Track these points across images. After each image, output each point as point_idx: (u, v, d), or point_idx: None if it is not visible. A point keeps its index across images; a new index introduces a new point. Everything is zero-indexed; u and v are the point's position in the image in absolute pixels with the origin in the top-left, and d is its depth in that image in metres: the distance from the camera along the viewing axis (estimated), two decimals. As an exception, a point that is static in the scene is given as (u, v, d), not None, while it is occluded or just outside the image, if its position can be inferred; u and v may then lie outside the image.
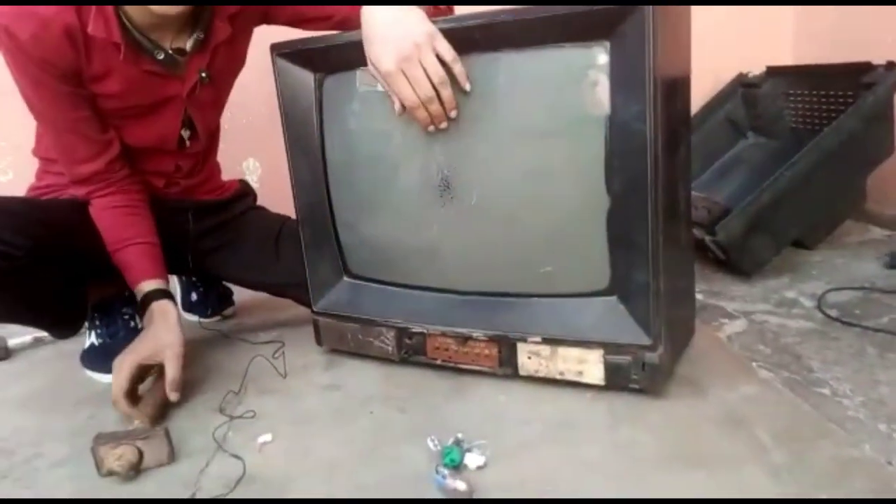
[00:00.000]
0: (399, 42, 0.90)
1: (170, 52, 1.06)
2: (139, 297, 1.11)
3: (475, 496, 0.77)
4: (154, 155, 1.17)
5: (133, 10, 1.00)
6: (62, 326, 1.19)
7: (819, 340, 1.10)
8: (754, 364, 1.04)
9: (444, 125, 0.95)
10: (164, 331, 1.05)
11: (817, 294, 1.28)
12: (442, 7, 1.09)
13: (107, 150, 1.11)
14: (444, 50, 0.90)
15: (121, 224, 1.14)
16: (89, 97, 1.06)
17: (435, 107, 0.92)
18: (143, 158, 1.17)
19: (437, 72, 0.90)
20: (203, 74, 1.11)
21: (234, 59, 1.19)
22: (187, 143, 1.18)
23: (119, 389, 0.99)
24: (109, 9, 0.98)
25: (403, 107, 0.95)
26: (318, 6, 1.10)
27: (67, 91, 1.03)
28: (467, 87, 0.93)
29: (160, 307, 1.08)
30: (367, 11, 0.93)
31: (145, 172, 1.19)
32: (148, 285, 1.11)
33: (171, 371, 1.02)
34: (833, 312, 1.20)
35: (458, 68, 0.91)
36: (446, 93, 0.92)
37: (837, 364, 1.02)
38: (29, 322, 1.18)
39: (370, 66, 0.96)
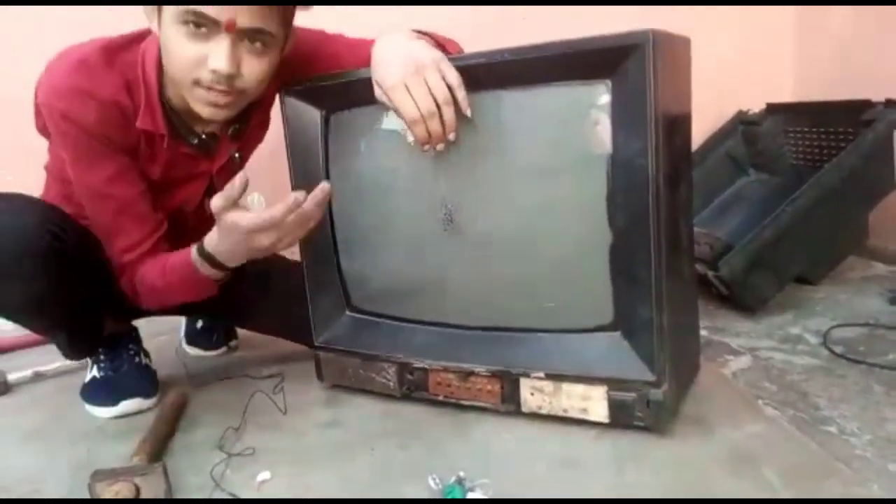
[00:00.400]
0: (405, 60, 0.91)
1: (203, 136, 1.09)
2: (196, 255, 1.03)
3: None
4: (168, 215, 1.17)
5: (176, 99, 1.03)
6: (78, 343, 1.19)
7: (825, 377, 1.09)
8: (760, 401, 1.03)
9: (440, 147, 0.95)
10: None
11: (822, 330, 1.27)
12: (449, 48, 1.10)
13: (158, 228, 1.10)
14: (449, 73, 0.91)
15: (155, 273, 1.09)
16: (143, 173, 1.08)
17: (435, 124, 0.92)
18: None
19: (441, 90, 0.90)
20: (236, 156, 1.15)
21: (263, 132, 1.22)
22: (209, 211, 1.19)
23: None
24: (156, 102, 1.02)
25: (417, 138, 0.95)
26: (345, 65, 1.10)
27: (129, 164, 1.05)
28: (468, 112, 0.93)
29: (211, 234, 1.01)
30: (378, 40, 0.96)
31: None
32: (193, 249, 1.04)
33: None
34: (838, 349, 1.19)
35: (461, 94, 0.92)
36: (448, 113, 0.92)
37: (844, 401, 1.00)
38: (54, 327, 1.14)
39: (375, 87, 0.96)
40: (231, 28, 0.90)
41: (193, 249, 1.03)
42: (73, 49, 1.02)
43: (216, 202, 0.94)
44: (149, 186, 1.09)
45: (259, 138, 1.23)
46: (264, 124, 1.20)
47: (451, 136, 0.94)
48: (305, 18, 1.05)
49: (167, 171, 1.10)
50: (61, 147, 1.04)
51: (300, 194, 0.92)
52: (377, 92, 0.95)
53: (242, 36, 0.92)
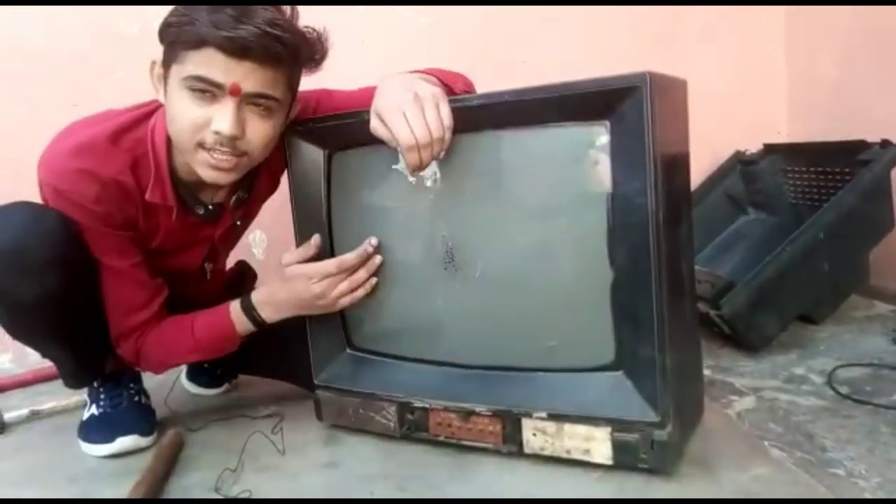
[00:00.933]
0: (405, 91, 0.92)
1: (209, 207, 1.11)
2: (238, 310, 1.11)
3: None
4: (167, 277, 1.17)
5: (184, 171, 1.05)
6: (82, 366, 1.18)
7: (831, 418, 1.08)
8: (766, 443, 1.01)
9: (428, 176, 0.99)
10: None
11: (826, 370, 1.26)
12: (456, 85, 1.11)
13: (160, 293, 1.12)
14: (444, 111, 0.92)
15: (172, 334, 1.12)
16: (141, 243, 1.09)
17: (427, 153, 0.92)
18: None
19: (437, 125, 0.90)
20: (238, 223, 1.18)
21: (267, 197, 1.24)
22: (208, 274, 1.23)
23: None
24: (165, 176, 1.04)
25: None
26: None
27: (129, 237, 1.06)
28: (441, 155, 0.94)
29: (259, 290, 1.13)
30: (381, 79, 0.98)
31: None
32: (233, 305, 1.12)
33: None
34: (844, 389, 1.17)
35: (447, 135, 0.92)
36: (437, 147, 0.92)
37: (851, 443, 0.99)
38: (62, 339, 1.11)
39: (372, 118, 0.95)
40: (236, 92, 0.91)
41: (235, 305, 1.10)
42: (79, 128, 1.04)
43: (287, 258, 1.07)
44: (148, 253, 1.11)
45: (263, 201, 1.24)
46: (270, 190, 1.21)
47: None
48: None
49: (169, 240, 1.11)
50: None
51: (373, 241, 1.06)
52: (373, 123, 0.94)
53: (247, 100, 0.93)
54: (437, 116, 0.91)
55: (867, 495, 0.85)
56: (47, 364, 1.39)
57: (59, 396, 1.38)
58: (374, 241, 1.05)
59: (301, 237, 1.14)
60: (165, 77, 0.96)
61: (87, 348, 1.15)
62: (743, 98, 2.08)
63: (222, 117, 0.92)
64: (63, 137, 1.03)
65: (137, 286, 1.09)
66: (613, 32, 1.98)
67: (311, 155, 1.11)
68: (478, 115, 0.95)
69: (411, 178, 0.98)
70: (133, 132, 1.03)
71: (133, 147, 1.03)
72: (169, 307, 1.14)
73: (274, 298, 1.09)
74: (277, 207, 1.24)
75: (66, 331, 1.08)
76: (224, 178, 0.99)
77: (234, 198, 1.13)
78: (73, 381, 1.23)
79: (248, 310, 1.10)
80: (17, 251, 0.96)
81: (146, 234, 1.09)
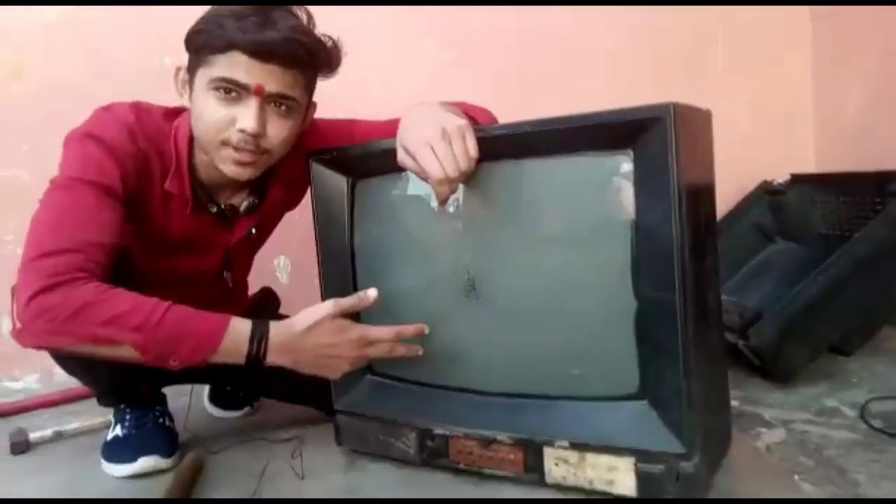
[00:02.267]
0: (433, 124, 0.92)
1: (222, 207, 1.14)
2: (246, 328, 0.96)
3: None
4: (184, 283, 1.18)
5: (202, 169, 1.10)
6: (117, 386, 1.20)
7: (864, 453, 1.05)
8: (796, 477, 0.98)
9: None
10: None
11: (859, 403, 1.23)
12: (480, 118, 1.12)
13: (113, 257, 0.99)
14: (470, 142, 0.92)
15: (134, 297, 0.93)
16: (160, 232, 1.10)
17: (455, 185, 0.93)
18: (174, 285, 1.14)
19: (465, 157, 0.91)
20: (252, 231, 1.19)
21: (283, 212, 1.27)
22: (229, 283, 1.24)
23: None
24: (185, 169, 1.08)
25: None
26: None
27: (122, 217, 1.01)
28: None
29: (280, 330, 0.98)
30: (406, 110, 1.00)
31: (176, 299, 1.18)
32: (238, 319, 0.97)
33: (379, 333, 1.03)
34: (877, 423, 1.14)
35: (473, 167, 0.93)
36: (464, 178, 0.93)
37: (885, 478, 0.96)
38: (103, 366, 1.05)
39: (399, 150, 0.96)
40: (260, 92, 0.97)
41: (241, 322, 0.97)
42: (119, 103, 1.08)
43: (338, 304, 1.00)
44: (158, 249, 1.12)
45: (279, 216, 1.27)
46: (284, 203, 1.24)
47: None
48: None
49: (185, 237, 1.13)
50: (66, 162, 1.01)
51: (371, 293, 1.02)
52: (400, 155, 0.96)
53: (269, 100, 0.99)
54: (464, 149, 0.92)
55: (904, 535, 0.82)
56: (73, 384, 1.42)
57: (84, 417, 1.40)
58: (373, 292, 1.03)
59: (323, 262, 1.15)
60: (191, 82, 1.02)
61: (126, 368, 1.15)
62: (769, 129, 2.07)
63: (247, 116, 0.97)
64: (110, 106, 1.07)
65: (104, 228, 0.97)
66: (637, 62, 2.00)
67: (335, 182, 1.12)
68: (501, 144, 0.95)
69: (434, 205, 0.99)
70: (163, 125, 1.09)
71: (160, 140, 1.07)
72: None
73: (296, 341, 0.98)
74: (303, 234, 1.25)
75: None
76: (245, 174, 1.03)
77: (245, 203, 1.15)
78: (108, 400, 1.25)
79: (258, 335, 0.96)
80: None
81: (164, 223, 1.10)
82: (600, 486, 0.94)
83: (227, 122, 0.99)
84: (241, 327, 0.96)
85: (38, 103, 1.67)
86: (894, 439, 1.08)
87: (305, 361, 1.00)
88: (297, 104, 1.03)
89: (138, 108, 1.08)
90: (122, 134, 1.03)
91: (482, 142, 0.94)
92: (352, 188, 1.12)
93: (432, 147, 0.91)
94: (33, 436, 1.34)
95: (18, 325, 0.91)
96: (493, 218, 0.99)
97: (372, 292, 1.03)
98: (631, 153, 0.88)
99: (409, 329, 1.04)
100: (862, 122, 1.86)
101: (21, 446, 1.31)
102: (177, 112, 1.11)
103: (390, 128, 1.03)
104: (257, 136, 0.99)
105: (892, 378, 1.36)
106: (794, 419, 1.20)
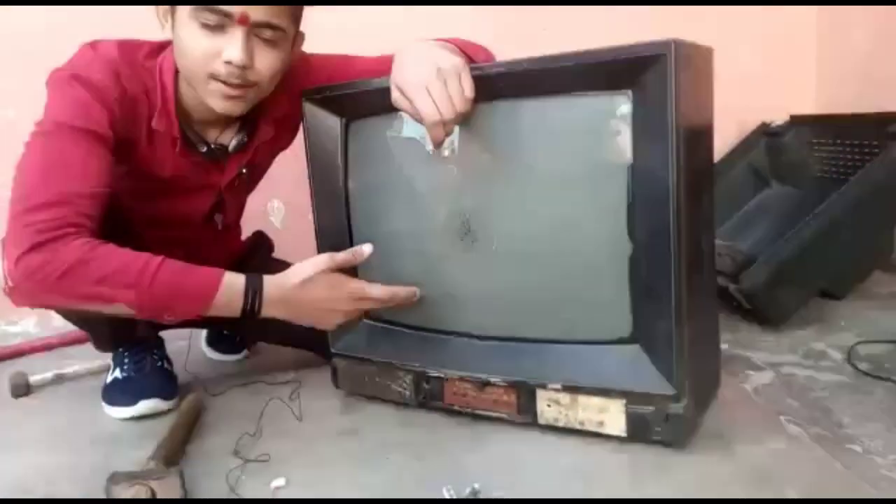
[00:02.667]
0: (427, 64, 0.91)
1: (213, 146, 1.11)
2: (230, 285, 0.95)
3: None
4: (176, 226, 1.18)
5: (189, 105, 1.07)
6: (115, 331, 1.21)
7: (850, 395, 1.07)
8: (782, 418, 1.01)
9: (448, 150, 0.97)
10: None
11: (847, 346, 1.25)
12: (477, 56, 1.09)
13: (105, 199, 0.97)
14: (467, 84, 0.91)
15: (125, 253, 0.92)
16: (150, 171, 1.08)
17: (451, 127, 0.92)
18: (164, 227, 1.17)
19: (460, 97, 0.90)
20: (244, 171, 1.16)
21: (275, 152, 1.24)
22: (219, 225, 1.21)
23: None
24: (171, 106, 1.05)
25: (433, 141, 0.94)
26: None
27: (110, 163, 0.99)
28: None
29: (274, 284, 0.98)
30: (400, 48, 0.97)
31: (167, 242, 1.15)
32: (232, 274, 0.96)
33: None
34: (863, 366, 1.16)
35: (469, 108, 0.91)
36: (459, 119, 0.92)
37: (869, 420, 0.98)
38: (87, 317, 1.13)
39: (392, 90, 0.94)
40: (245, 21, 0.93)
41: (236, 276, 0.96)
42: (105, 41, 1.04)
43: (334, 259, 1.00)
44: (151, 191, 1.10)
45: (271, 156, 1.24)
46: (275, 144, 1.21)
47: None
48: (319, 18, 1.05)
49: (177, 179, 1.11)
50: (55, 108, 0.98)
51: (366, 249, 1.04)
52: (394, 95, 0.94)
53: (255, 29, 0.95)
54: (459, 89, 0.90)
55: (884, 472, 0.85)
56: (71, 328, 1.42)
57: (83, 360, 1.41)
58: (368, 247, 1.04)
59: (317, 205, 1.14)
60: (173, 12, 0.98)
61: (118, 321, 1.15)
62: (771, 68, 2.02)
63: (233, 46, 0.94)
64: (95, 43, 1.03)
65: (95, 169, 0.95)
66: (637, -1, 1.94)
67: (329, 123, 1.10)
68: (497, 84, 0.93)
69: (429, 148, 0.97)
70: (147, 62, 1.05)
71: (145, 77, 1.04)
72: None
73: (294, 298, 0.99)
74: (295, 177, 1.24)
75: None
76: (235, 108, 1.01)
77: (234, 141, 1.13)
78: (105, 346, 1.27)
79: (252, 290, 0.96)
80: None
81: (153, 162, 1.08)
82: (591, 426, 0.96)
83: (212, 53, 0.95)
84: (235, 282, 0.96)
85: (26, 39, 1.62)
86: (880, 381, 1.10)
87: (300, 314, 1.02)
88: (284, 34, 0.99)
89: (124, 46, 1.04)
90: (109, 75, 1.00)
91: (478, 81, 0.92)
92: (346, 129, 1.10)
93: (427, 87, 0.89)
94: (34, 379, 1.36)
95: (10, 283, 0.90)
96: (488, 161, 0.98)
97: (367, 247, 1.04)
98: (630, 93, 0.86)
99: (402, 292, 1.05)
100: (866, 61, 1.82)
101: (21, 389, 1.33)
102: (162, 47, 1.07)
103: (386, 64, 1.00)
104: (245, 68, 0.96)
105: (881, 322, 1.38)
106: (783, 362, 1.22)
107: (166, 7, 0.99)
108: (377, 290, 1.04)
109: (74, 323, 1.25)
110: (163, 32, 1.02)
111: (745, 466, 0.88)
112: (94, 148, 0.97)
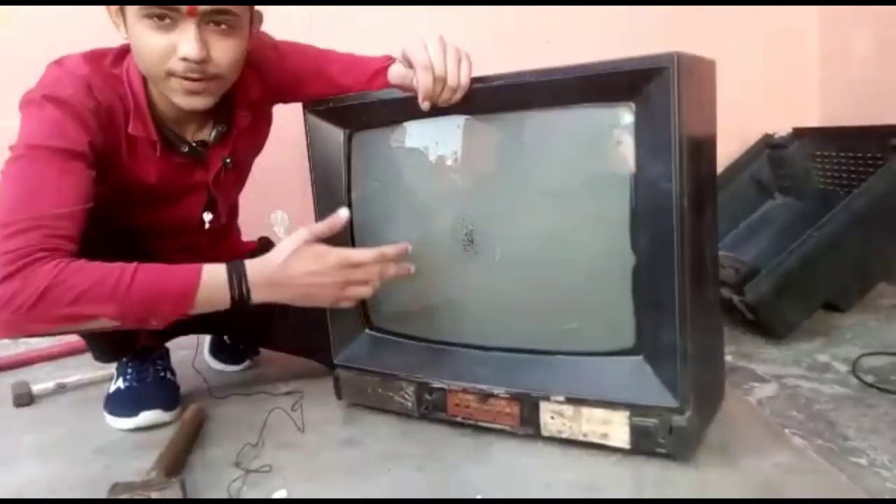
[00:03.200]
0: (434, 37, 0.95)
1: (193, 144, 1.10)
2: (211, 276, 0.92)
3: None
4: (174, 234, 1.18)
5: (162, 106, 1.05)
6: (114, 343, 1.20)
7: (854, 407, 1.06)
8: (787, 431, 1.00)
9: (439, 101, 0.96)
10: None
11: (851, 358, 1.24)
12: None
13: (80, 231, 0.93)
14: (465, 67, 0.94)
15: (97, 267, 0.89)
16: (136, 180, 1.06)
17: (440, 87, 0.93)
18: (165, 238, 1.18)
19: (455, 65, 0.93)
20: (227, 161, 1.14)
21: (256, 141, 1.23)
22: (206, 224, 1.19)
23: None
24: (144, 110, 1.03)
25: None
26: (339, 85, 1.13)
27: (91, 179, 0.97)
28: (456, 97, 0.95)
29: (257, 266, 0.95)
30: None
31: (170, 251, 1.16)
32: (211, 265, 0.93)
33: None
34: (868, 378, 1.15)
35: (465, 74, 0.94)
36: (448, 92, 0.93)
37: (874, 433, 0.97)
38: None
39: (392, 68, 0.99)
40: (194, 13, 0.91)
41: (216, 266, 0.93)
42: (71, 56, 1.02)
43: (312, 230, 0.96)
44: (141, 200, 1.09)
45: (253, 146, 1.22)
46: (255, 131, 1.19)
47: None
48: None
49: (163, 183, 1.09)
50: (25, 128, 0.96)
51: (343, 213, 0.99)
52: (392, 75, 0.98)
53: (206, 19, 0.93)
54: (456, 58, 0.92)
55: (889, 485, 0.84)
56: (74, 338, 1.43)
57: (85, 370, 1.41)
58: (344, 212, 0.98)
59: (322, 217, 1.13)
60: (123, 14, 0.96)
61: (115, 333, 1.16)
62: (774, 79, 2.02)
63: (186, 41, 0.92)
64: (57, 64, 1.01)
65: (70, 187, 0.93)
66: (639, 11, 1.94)
67: (331, 135, 1.10)
68: (500, 95, 0.94)
69: (425, 106, 0.95)
70: (114, 69, 1.03)
71: (115, 84, 1.02)
72: None
73: (281, 277, 0.94)
74: (298, 186, 1.24)
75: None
76: (200, 103, 0.99)
77: (213, 132, 1.11)
78: (104, 358, 1.26)
79: (236, 277, 0.93)
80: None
81: (137, 169, 1.05)
82: (594, 438, 0.95)
83: (166, 51, 0.93)
84: (216, 273, 0.93)
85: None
86: (884, 394, 1.09)
87: (292, 294, 0.96)
88: (237, 18, 0.95)
89: (91, 57, 1.02)
90: (80, 89, 0.97)
91: (481, 92, 0.93)
92: (349, 140, 1.10)
93: (426, 44, 0.93)
94: (36, 388, 1.36)
95: None
96: (491, 171, 0.98)
97: (343, 212, 0.99)
98: (633, 105, 0.86)
99: (391, 249, 0.99)
100: (869, 73, 1.82)
101: (24, 398, 1.33)
102: (126, 51, 1.03)
103: (360, 70, 1.04)
104: (202, 62, 0.93)
105: (885, 334, 1.37)
106: (787, 374, 1.22)
107: (116, 7, 0.97)
108: (363, 254, 0.98)
109: (75, 333, 1.25)
110: (119, 34, 0.99)
111: (750, 479, 0.87)
112: (69, 165, 0.94)
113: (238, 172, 1.22)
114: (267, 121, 1.22)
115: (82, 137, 0.95)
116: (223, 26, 0.95)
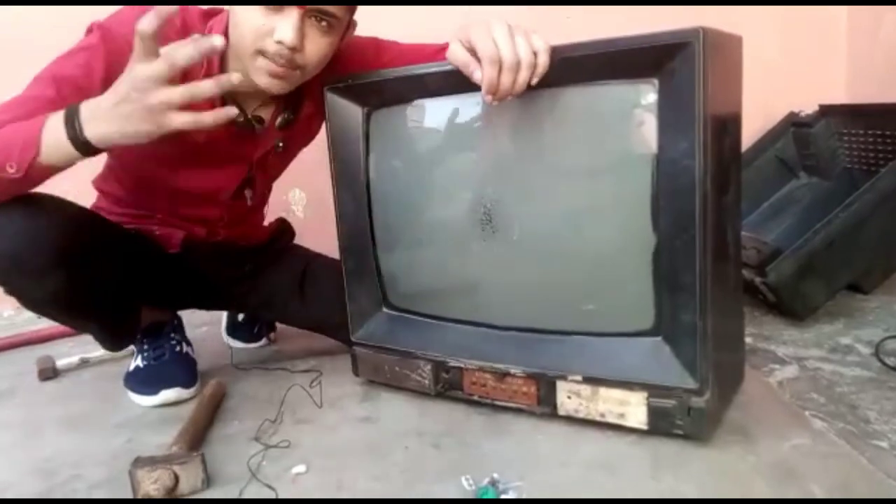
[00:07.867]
0: (495, 20, 0.89)
1: (249, 117, 1.11)
2: (53, 121, 0.87)
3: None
4: (202, 203, 1.19)
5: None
6: (111, 336, 1.21)
7: (876, 390, 1.05)
8: (807, 413, 0.99)
9: (496, 100, 0.90)
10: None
11: (874, 341, 1.22)
12: None
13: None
14: (537, 39, 0.87)
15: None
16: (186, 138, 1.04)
17: (507, 77, 0.87)
18: (190, 204, 1.19)
19: (527, 51, 0.86)
20: (279, 144, 1.17)
21: (310, 132, 1.24)
22: (248, 200, 1.22)
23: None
24: (215, 72, 1.03)
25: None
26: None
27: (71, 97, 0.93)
28: (534, 81, 0.88)
29: (90, 101, 0.88)
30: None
31: (189, 218, 1.21)
32: (57, 113, 0.88)
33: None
34: (891, 361, 1.14)
35: (543, 59, 0.87)
36: (523, 76, 0.87)
37: (897, 416, 0.96)
38: (79, 320, 1.16)
39: (453, 43, 0.92)
40: (301, 5, 0.94)
41: (55, 113, 0.88)
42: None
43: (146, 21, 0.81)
44: (181, 157, 1.10)
45: (307, 135, 1.24)
46: (313, 121, 1.20)
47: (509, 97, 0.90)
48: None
49: (210, 145, 1.10)
50: (83, 58, 0.97)
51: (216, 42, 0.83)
52: (452, 48, 0.91)
53: (310, 14, 0.96)
54: (526, 42, 0.87)
55: (912, 470, 0.83)
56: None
57: (108, 345, 1.43)
58: (218, 41, 0.83)
59: (338, 193, 1.14)
60: None
61: (116, 317, 1.18)
62: (800, 56, 1.98)
63: (286, 27, 0.94)
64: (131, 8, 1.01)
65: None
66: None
67: (350, 112, 1.10)
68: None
69: (488, 99, 0.90)
70: (198, 25, 1.06)
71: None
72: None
73: (103, 107, 0.86)
74: (317, 165, 1.24)
75: (87, 312, 1.11)
76: (277, 87, 1.00)
77: (280, 118, 1.13)
78: (111, 346, 1.27)
79: (70, 117, 0.87)
80: (13, 258, 0.95)
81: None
82: (612, 418, 0.95)
83: (265, 31, 0.95)
84: (58, 115, 0.87)
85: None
86: (908, 377, 1.08)
87: (115, 127, 0.86)
88: (338, 21, 0.99)
89: (184, 9, 1.04)
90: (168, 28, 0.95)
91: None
92: (367, 118, 1.09)
93: (490, 29, 0.87)
94: (60, 363, 1.39)
95: None
96: (510, 149, 0.97)
97: (217, 39, 0.83)
98: (656, 82, 0.85)
99: (179, 52, 0.84)
100: (897, 51, 1.77)
101: (49, 373, 1.36)
102: (214, 13, 1.07)
103: (421, 55, 1.00)
104: (294, 50, 0.96)
105: (909, 316, 1.35)
106: (808, 356, 1.20)
107: None
108: (154, 66, 0.83)
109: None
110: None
111: (769, 461, 0.87)
112: (72, 92, 0.94)
113: (285, 157, 1.24)
114: (323, 114, 1.21)
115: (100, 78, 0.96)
116: (324, 24, 0.97)
